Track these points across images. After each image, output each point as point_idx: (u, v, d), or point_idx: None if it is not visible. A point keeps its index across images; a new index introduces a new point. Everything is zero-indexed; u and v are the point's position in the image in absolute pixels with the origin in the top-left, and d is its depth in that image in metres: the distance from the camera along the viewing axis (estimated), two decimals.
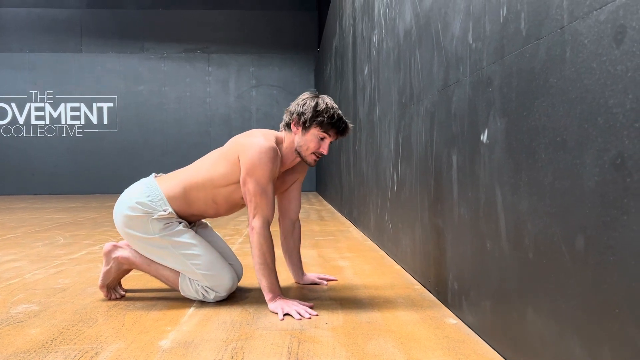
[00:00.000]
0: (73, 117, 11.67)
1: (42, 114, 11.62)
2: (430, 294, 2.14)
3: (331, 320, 1.80)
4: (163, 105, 11.68)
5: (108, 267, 2.10)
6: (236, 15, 11.85)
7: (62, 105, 11.65)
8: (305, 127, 2.00)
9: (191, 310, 1.95)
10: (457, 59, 1.80)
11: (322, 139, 2.01)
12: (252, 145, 1.93)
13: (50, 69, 11.61)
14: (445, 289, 1.94)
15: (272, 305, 1.91)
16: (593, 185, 0.99)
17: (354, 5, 4.67)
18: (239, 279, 2.18)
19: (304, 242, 3.67)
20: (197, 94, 11.76)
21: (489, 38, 1.50)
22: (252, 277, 2.47)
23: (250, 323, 1.78)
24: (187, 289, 2.04)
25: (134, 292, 2.24)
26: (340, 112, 2.03)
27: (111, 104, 11.69)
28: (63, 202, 8.86)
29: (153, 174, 2.14)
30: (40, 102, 11.62)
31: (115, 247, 2.14)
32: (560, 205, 1.11)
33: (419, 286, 2.29)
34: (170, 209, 2.00)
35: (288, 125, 2.07)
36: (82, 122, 11.67)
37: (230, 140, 2.06)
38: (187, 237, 2.01)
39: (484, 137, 1.54)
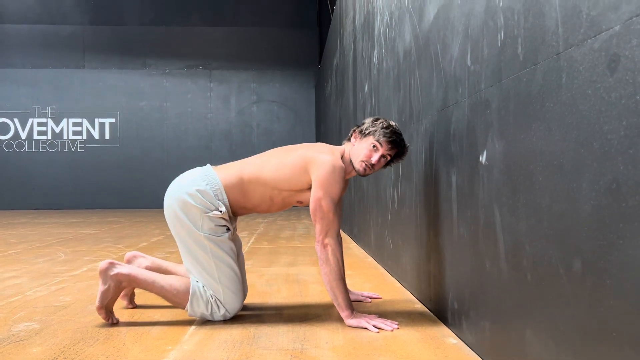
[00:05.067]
0: (75, 133, 11.72)
1: (44, 129, 11.67)
2: (431, 313, 2.14)
3: (332, 339, 1.81)
4: (164, 120, 11.74)
5: (105, 286, 1.97)
6: (237, 32, 11.97)
7: (64, 120, 11.71)
8: (363, 135, 2.12)
9: (192, 329, 1.95)
10: (455, 81, 1.83)
11: (374, 147, 2.08)
12: (325, 162, 2.02)
13: (53, 84, 11.69)
14: (445, 308, 1.94)
15: (352, 322, 1.96)
16: (589, 209, 1.01)
17: (354, 24, 4.73)
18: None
19: (304, 260, 3.67)
20: (199, 109, 11.82)
21: (487, 61, 1.53)
22: (251, 297, 2.47)
23: (251, 342, 1.78)
24: (196, 303, 2.01)
25: (134, 310, 2.24)
26: (399, 130, 2.12)
27: (113, 120, 11.75)
28: (64, 217, 8.86)
29: (208, 164, 2.17)
30: (42, 117, 11.69)
31: (112, 264, 2.01)
32: (558, 228, 1.13)
33: (419, 305, 2.29)
34: (224, 209, 2.03)
35: (350, 139, 2.19)
36: (84, 137, 11.72)
37: (294, 150, 2.13)
38: (228, 249, 2.06)
39: (482, 158, 1.56)
